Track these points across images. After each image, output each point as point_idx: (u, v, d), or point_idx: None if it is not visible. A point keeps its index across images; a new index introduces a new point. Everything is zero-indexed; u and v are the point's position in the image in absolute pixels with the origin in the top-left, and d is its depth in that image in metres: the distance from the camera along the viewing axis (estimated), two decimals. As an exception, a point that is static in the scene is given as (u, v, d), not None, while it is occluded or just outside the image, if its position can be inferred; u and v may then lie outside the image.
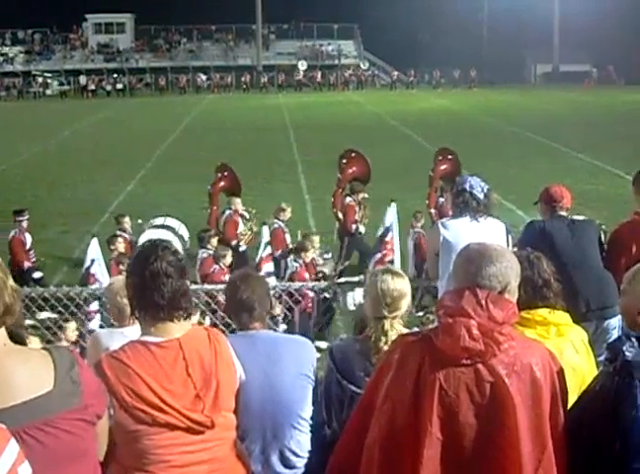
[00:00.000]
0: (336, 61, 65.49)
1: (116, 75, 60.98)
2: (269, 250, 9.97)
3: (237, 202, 11.83)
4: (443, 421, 2.63)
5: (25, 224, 11.41)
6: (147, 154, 25.35)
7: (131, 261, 3.06)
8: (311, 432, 3.55)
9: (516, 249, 4.89)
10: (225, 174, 12.48)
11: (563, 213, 5.66)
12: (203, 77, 61.27)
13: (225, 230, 11.53)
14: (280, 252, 10.80)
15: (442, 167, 11.85)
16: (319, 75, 61.83)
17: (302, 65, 61.85)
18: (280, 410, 3.45)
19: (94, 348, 4.29)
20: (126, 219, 11.43)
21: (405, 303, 3.50)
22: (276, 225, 11.05)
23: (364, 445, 2.79)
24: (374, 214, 11.69)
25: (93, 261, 8.87)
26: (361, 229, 11.98)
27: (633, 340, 2.72)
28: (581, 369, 3.32)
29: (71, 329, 7.05)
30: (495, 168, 18.97)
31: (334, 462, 3.00)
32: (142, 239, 10.16)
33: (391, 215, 10.08)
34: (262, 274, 8.54)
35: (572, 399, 2.91)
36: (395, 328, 3.48)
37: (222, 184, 12.41)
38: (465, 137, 27.79)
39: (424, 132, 29.68)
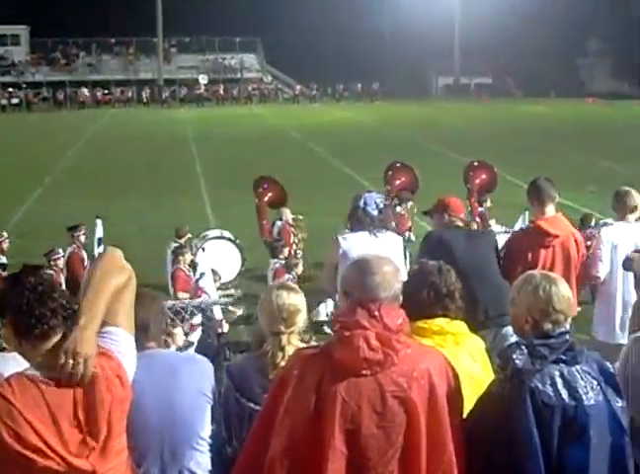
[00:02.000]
0: (238, 75, 65.36)
1: (11, 89, 59.11)
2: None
3: (287, 212, 11.76)
4: (347, 433, 2.65)
5: (82, 239, 10.88)
6: (46, 170, 24.58)
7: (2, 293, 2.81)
8: (211, 451, 3.49)
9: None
10: (268, 186, 12.24)
11: (459, 224, 5.78)
12: (85, 92, 59.64)
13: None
14: None
15: (480, 178, 12.06)
16: (222, 89, 61.55)
17: (203, 79, 61.45)
18: (178, 430, 3.38)
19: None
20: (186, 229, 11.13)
21: (301, 318, 3.51)
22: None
23: (266, 462, 2.76)
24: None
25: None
26: (412, 237, 12.33)
27: (523, 347, 2.80)
28: (478, 377, 3.37)
29: (180, 335, 6.85)
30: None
31: (235, 480, 2.96)
32: (204, 252, 9.96)
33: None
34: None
35: (470, 406, 2.96)
36: (292, 343, 3.47)
37: (269, 195, 12.16)
38: (369, 149, 28.21)
39: (327, 145, 29.92)
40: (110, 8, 62.94)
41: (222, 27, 63.28)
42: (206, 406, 3.45)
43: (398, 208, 12.32)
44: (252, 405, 3.39)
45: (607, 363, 3.03)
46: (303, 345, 3.44)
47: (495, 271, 5.65)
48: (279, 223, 11.74)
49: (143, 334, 3.40)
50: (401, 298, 2.88)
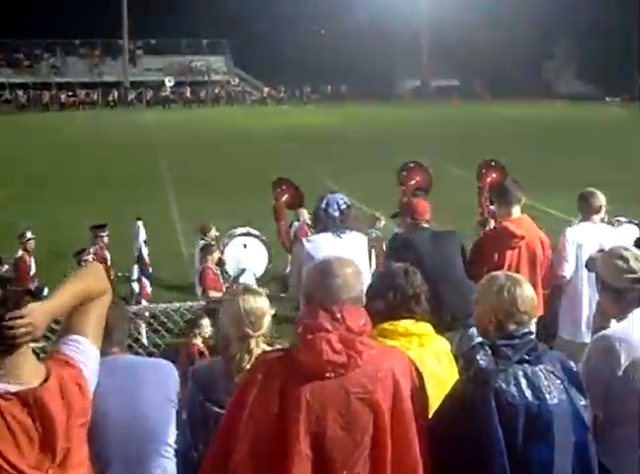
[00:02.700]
0: (205, 77, 65.11)
1: (-28, 91, 58.44)
2: None
3: (304, 213, 11.59)
4: (312, 436, 2.65)
5: (106, 240, 10.84)
6: (8, 175, 24.26)
7: None
8: (177, 456, 3.46)
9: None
10: (285, 187, 12.16)
11: (425, 225, 5.81)
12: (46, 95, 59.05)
13: None
14: None
15: (490, 177, 12.08)
16: (188, 91, 61.27)
17: (169, 81, 61.19)
18: (143, 437, 3.35)
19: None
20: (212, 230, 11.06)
21: (267, 321, 3.51)
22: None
23: (230, 466, 2.75)
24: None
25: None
26: None
27: (486, 348, 2.81)
28: (444, 378, 3.38)
29: (206, 325, 6.73)
30: (370, 182, 19.34)
31: (200, 484, 2.94)
32: (231, 247, 10.05)
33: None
34: None
35: (435, 407, 2.97)
36: (260, 346, 3.47)
37: (285, 197, 12.06)
38: (336, 151, 28.27)
39: (296, 147, 29.92)
40: (75, 9, 62.21)
41: (189, 29, 62.98)
42: (172, 411, 3.43)
43: None
44: (217, 409, 3.37)
45: (571, 363, 3.06)
46: (269, 348, 3.43)
47: (461, 271, 5.68)
48: (296, 224, 11.77)
49: (107, 339, 3.36)
50: (364, 300, 2.89)
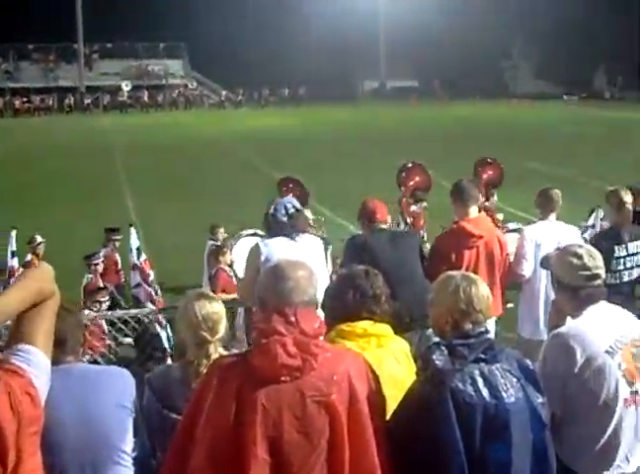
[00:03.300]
0: (163, 81, 64.66)
1: None
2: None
3: (308, 212, 11.58)
4: (269, 440, 2.64)
5: (117, 244, 11.04)
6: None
7: None
8: (137, 464, 3.41)
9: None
10: (291, 186, 12.02)
11: (383, 226, 5.82)
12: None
13: None
14: None
15: (487, 174, 12.07)
16: (146, 95, 60.78)
17: (127, 86, 60.64)
18: (99, 445, 3.29)
19: None
20: (221, 230, 11.02)
21: (223, 326, 3.49)
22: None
23: (188, 472, 2.73)
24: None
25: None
26: (425, 236, 12.30)
27: (443, 348, 2.81)
28: (402, 379, 3.37)
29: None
30: (330, 183, 19.37)
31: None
32: (239, 248, 9.67)
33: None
34: None
35: (394, 407, 2.97)
36: (218, 351, 3.46)
37: (291, 196, 11.87)
38: (297, 154, 28.26)
39: (254, 150, 29.85)
40: (28, 13, 61.41)
41: (146, 32, 62.51)
42: (127, 419, 3.37)
43: (413, 207, 12.47)
44: (175, 416, 3.33)
45: (528, 361, 3.08)
46: (226, 353, 3.42)
47: (419, 272, 5.69)
48: None
49: (60, 348, 3.32)
50: (319, 303, 2.88)
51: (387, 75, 68.75)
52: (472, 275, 3.17)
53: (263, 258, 5.23)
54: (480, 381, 2.83)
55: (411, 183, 12.77)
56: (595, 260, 3.48)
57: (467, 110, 50.51)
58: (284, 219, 5.40)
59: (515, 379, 2.92)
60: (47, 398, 2.84)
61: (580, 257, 3.46)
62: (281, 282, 2.79)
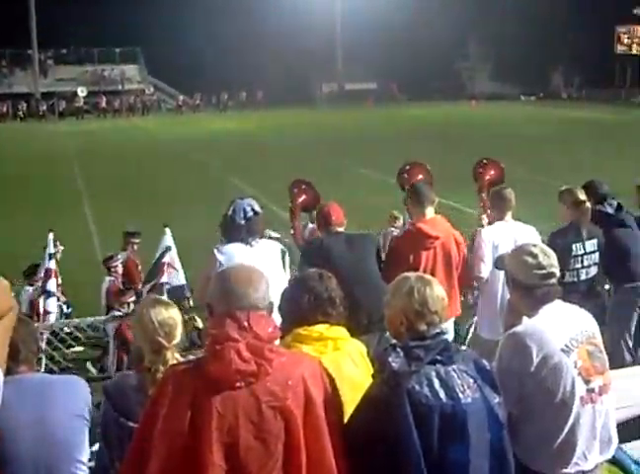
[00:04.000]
0: (119, 86, 64.03)
1: None
2: None
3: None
4: (225, 447, 2.61)
5: (136, 247, 10.78)
6: None
7: None
8: (95, 473, 3.39)
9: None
10: (304, 188, 11.78)
11: (339, 229, 5.82)
12: None
13: None
14: None
15: (489, 175, 12.01)
16: (103, 101, 60.13)
17: (82, 92, 59.88)
18: (55, 455, 3.27)
19: None
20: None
21: (179, 332, 3.46)
22: None
23: (145, 481, 2.68)
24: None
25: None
26: None
27: (398, 350, 2.81)
28: (360, 381, 3.36)
29: None
30: (285, 186, 19.26)
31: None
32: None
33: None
34: None
35: (352, 410, 2.95)
36: (175, 357, 3.42)
37: (303, 198, 11.66)
38: (254, 158, 28.23)
39: (213, 156, 29.74)
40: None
41: (101, 37, 61.82)
42: (83, 428, 3.36)
43: None
44: (132, 424, 3.28)
45: (484, 361, 3.07)
46: (183, 359, 3.38)
47: (376, 274, 5.69)
48: (310, 226, 11.67)
49: (14, 358, 3.28)
50: (273, 307, 2.86)
51: (345, 78, 68.86)
52: (427, 276, 3.16)
53: (218, 264, 5.18)
54: (437, 382, 2.83)
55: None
56: (549, 258, 3.49)
57: (424, 111, 50.90)
58: (242, 222, 5.34)
59: (471, 380, 2.92)
60: (1, 409, 2.80)
61: (534, 256, 3.47)
62: (231, 287, 2.77)
